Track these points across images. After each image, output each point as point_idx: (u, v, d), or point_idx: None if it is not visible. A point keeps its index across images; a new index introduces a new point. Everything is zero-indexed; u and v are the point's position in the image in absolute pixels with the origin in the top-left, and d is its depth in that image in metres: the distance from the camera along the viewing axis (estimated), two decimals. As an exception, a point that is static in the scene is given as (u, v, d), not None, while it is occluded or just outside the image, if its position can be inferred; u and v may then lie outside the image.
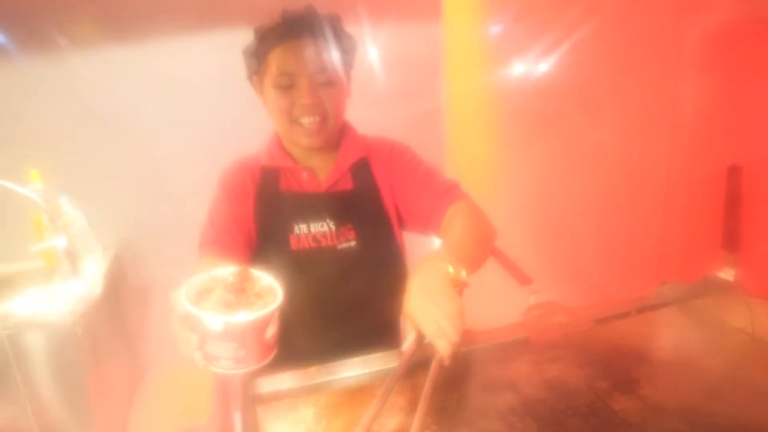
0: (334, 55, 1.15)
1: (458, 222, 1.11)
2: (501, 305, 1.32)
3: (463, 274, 0.94)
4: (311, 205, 1.20)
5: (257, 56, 1.18)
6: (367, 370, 1.05)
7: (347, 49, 1.21)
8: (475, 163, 2.18)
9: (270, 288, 0.81)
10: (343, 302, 1.19)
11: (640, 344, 1.13)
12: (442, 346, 0.81)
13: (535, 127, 1.80)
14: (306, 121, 1.14)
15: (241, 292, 0.79)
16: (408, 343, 0.89)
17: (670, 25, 1.36)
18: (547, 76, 1.71)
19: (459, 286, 0.92)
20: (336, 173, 1.22)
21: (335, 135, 1.23)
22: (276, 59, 1.12)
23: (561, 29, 1.63)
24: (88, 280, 1.94)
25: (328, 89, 1.14)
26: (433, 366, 0.86)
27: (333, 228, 1.18)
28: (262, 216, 1.18)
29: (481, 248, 1.12)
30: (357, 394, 1.01)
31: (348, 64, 1.22)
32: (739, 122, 1.22)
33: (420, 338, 0.88)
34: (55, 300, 1.75)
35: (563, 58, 1.64)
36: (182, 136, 2.21)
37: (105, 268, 2.07)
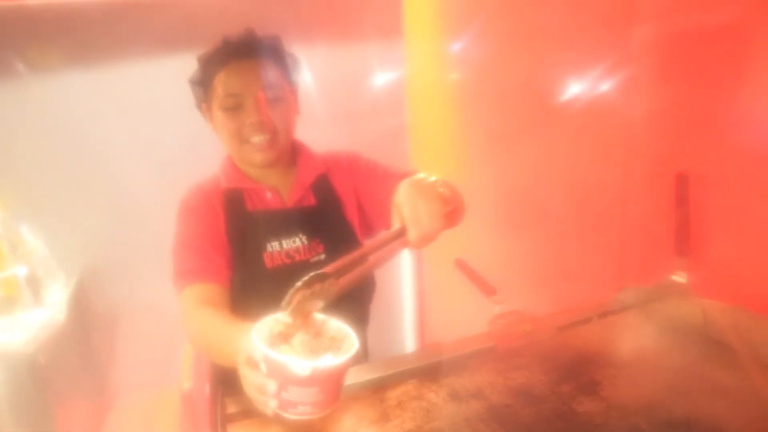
0: (277, 73, 1.17)
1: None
2: (467, 316, 1.34)
3: (447, 193, 0.95)
4: (281, 222, 1.21)
5: (203, 83, 1.18)
6: (354, 381, 1.06)
7: (291, 66, 1.22)
8: (440, 176, 2.21)
9: (342, 331, 0.80)
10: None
11: (601, 348, 1.17)
12: (413, 232, 0.82)
13: (496, 141, 1.84)
14: (256, 139, 1.14)
15: (317, 336, 0.78)
16: (393, 228, 0.87)
17: (622, 34, 1.42)
18: (506, 89, 1.76)
19: (441, 196, 0.92)
20: (299, 190, 1.23)
21: (287, 151, 1.24)
22: (221, 82, 1.13)
23: (517, 42, 1.69)
24: (51, 308, 1.90)
25: (276, 106, 1.15)
26: (396, 241, 0.84)
27: (305, 242, 1.20)
28: (234, 237, 1.17)
29: (455, 198, 1.08)
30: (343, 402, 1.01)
31: (293, 82, 1.23)
32: (687, 130, 1.28)
33: (402, 228, 0.85)
34: (16, 329, 1.70)
35: (520, 70, 1.69)
36: (144, 161, 2.19)
37: (68, 295, 2.02)
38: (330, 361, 0.72)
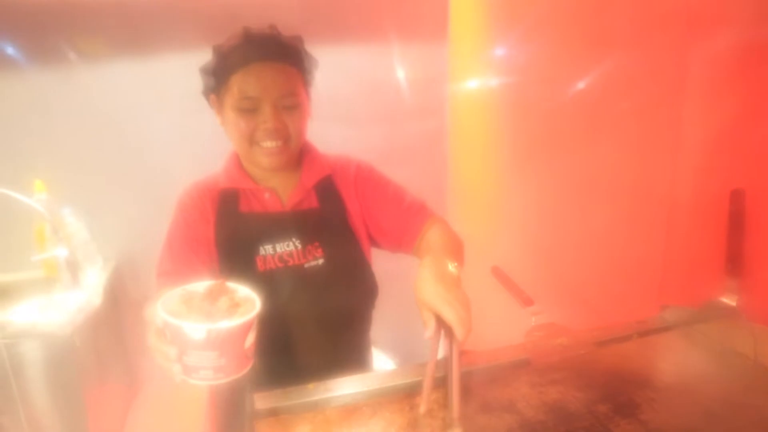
0: (297, 78, 1.13)
1: (438, 236, 1.16)
2: (502, 326, 1.31)
3: (459, 274, 0.99)
4: (276, 225, 1.18)
5: (216, 75, 1.14)
6: (364, 389, 1.05)
7: (309, 69, 1.19)
8: (478, 184, 2.18)
9: (247, 298, 0.81)
10: (312, 320, 1.18)
11: (641, 368, 1.12)
12: (461, 332, 0.85)
13: (539, 149, 1.81)
14: (268, 144, 1.11)
15: (217, 302, 0.79)
16: (430, 329, 0.90)
17: (676, 48, 1.37)
18: (551, 97, 1.72)
19: (460, 282, 0.97)
20: (300, 192, 1.21)
21: (296, 155, 1.21)
22: (238, 82, 1.09)
23: (566, 52, 1.64)
24: (88, 291, 1.94)
25: (292, 113, 1.12)
26: (454, 352, 0.90)
27: (299, 247, 1.17)
28: (225, 239, 1.15)
29: (459, 256, 1.15)
30: (353, 412, 1.00)
31: (309, 84, 1.20)
32: (743, 145, 1.22)
33: (440, 324, 0.89)
34: (54, 310, 1.74)
35: (568, 80, 1.65)
36: (185, 150, 2.21)
37: (105, 279, 2.07)
38: (224, 323, 0.73)
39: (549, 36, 1.71)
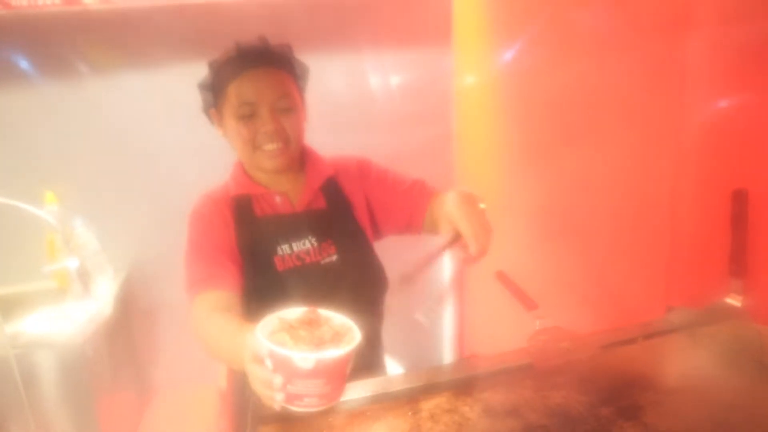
0: (290, 82, 1.19)
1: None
2: (506, 330, 1.31)
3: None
4: (291, 226, 1.23)
5: (214, 89, 1.21)
6: (368, 394, 1.05)
7: (301, 75, 1.25)
8: (484, 186, 2.18)
9: (344, 325, 0.83)
10: None
11: (645, 371, 1.11)
12: (474, 247, 0.89)
13: (544, 151, 1.80)
14: (269, 147, 1.17)
15: (320, 330, 0.80)
16: (443, 240, 0.93)
17: (678, 48, 1.37)
18: (554, 100, 1.72)
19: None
20: (308, 193, 1.26)
21: (297, 157, 1.26)
22: (235, 90, 1.15)
23: (569, 54, 1.65)
24: (99, 301, 1.96)
25: (289, 115, 1.17)
26: (459, 259, 0.94)
27: (315, 244, 1.22)
28: (244, 243, 1.19)
29: None
30: (357, 416, 1.01)
31: (303, 90, 1.26)
32: (744, 145, 1.21)
33: (455, 237, 0.92)
34: (65, 320, 1.76)
35: (570, 83, 1.65)
36: (195, 160, 2.23)
37: (116, 289, 2.08)
38: (332, 352, 0.74)
39: (552, 38, 1.71)
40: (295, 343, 0.76)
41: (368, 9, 2.28)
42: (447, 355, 2.51)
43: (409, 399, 1.05)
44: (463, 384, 1.09)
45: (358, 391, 1.05)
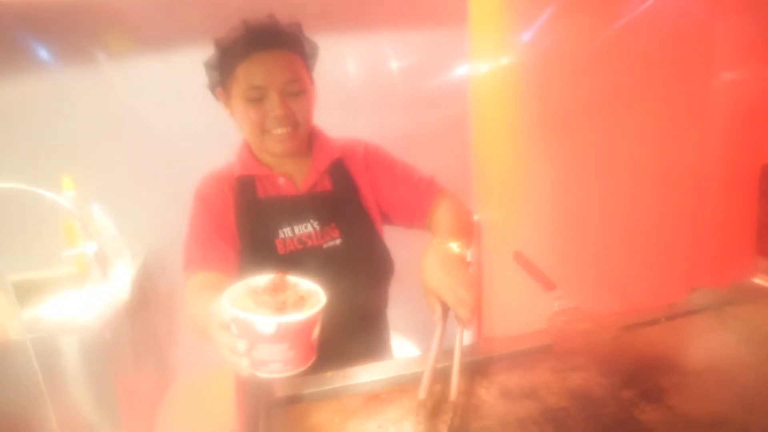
0: (300, 64, 1.16)
1: (447, 211, 1.21)
2: (524, 311, 1.29)
3: (466, 252, 1.04)
4: (293, 208, 1.21)
5: (221, 68, 1.18)
6: (382, 377, 1.04)
7: (311, 54, 1.21)
8: (502, 167, 2.14)
9: (312, 290, 0.82)
10: (334, 299, 1.19)
11: (668, 353, 1.08)
12: (462, 312, 0.90)
13: (563, 130, 1.76)
14: (279, 131, 1.14)
15: (283, 295, 0.80)
16: (437, 316, 0.95)
17: (701, 24, 1.32)
18: (575, 78, 1.68)
19: (464, 263, 1.02)
20: (314, 175, 1.24)
21: (306, 140, 1.24)
22: (244, 73, 1.12)
23: (590, 31, 1.60)
24: (117, 286, 1.97)
25: (298, 98, 1.15)
26: (458, 333, 0.96)
27: (317, 228, 1.20)
28: (245, 225, 1.18)
29: (469, 230, 1.22)
30: (372, 400, 0.99)
31: (312, 69, 1.23)
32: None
33: (445, 309, 0.94)
34: (84, 305, 1.78)
35: (591, 61, 1.60)
36: (211, 144, 2.22)
37: (134, 274, 2.10)
38: (295, 316, 0.74)
39: (569, 18, 1.66)
40: (258, 308, 0.75)
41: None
42: (465, 337, 2.51)
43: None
44: (480, 366, 1.07)
45: (372, 374, 1.04)
